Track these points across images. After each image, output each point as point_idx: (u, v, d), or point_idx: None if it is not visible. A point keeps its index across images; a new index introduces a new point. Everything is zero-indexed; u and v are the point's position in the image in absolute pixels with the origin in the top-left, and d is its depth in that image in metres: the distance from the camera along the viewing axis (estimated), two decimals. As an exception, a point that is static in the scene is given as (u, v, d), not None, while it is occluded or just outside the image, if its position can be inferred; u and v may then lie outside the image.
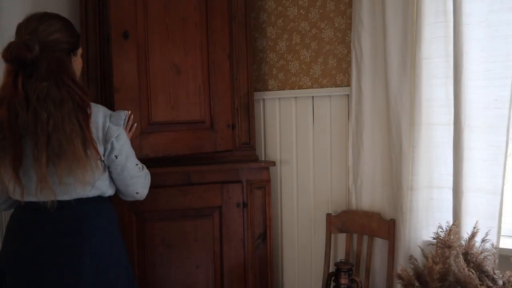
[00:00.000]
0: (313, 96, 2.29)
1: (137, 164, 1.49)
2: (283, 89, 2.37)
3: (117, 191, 1.52)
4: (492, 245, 1.70)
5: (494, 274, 1.58)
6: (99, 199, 1.44)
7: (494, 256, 1.69)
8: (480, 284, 1.51)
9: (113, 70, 1.81)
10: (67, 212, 1.36)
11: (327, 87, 2.24)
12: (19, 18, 1.88)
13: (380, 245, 2.08)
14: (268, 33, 2.41)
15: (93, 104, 1.38)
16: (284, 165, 2.41)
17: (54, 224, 1.36)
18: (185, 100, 2.01)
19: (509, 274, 1.56)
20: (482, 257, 1.63)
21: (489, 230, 1.71)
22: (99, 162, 1.36)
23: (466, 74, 1.72)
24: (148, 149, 1.90)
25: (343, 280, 1.95)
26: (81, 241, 1.37)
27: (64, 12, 2.09)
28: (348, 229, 2.14)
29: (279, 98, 2.39)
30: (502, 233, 1.77)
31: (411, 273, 1.66)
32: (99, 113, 1.39)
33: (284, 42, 2.36)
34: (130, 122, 1.59)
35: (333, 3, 2.20)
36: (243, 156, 2.21)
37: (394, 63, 1.92)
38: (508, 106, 1.69)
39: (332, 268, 2.11)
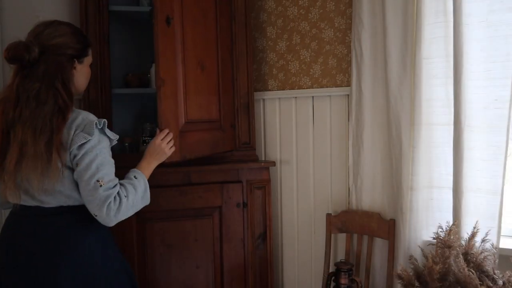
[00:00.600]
0: (313, 96, 2.29)
1: (98, 181, 1.28)
2: (283, 89, 2.37)
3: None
4: (492, 245, 1.71)
5: (494, 274, 1.58)
6: (83, 208, 1.34)
7: (494, 256, 1.69)
8: (480, 284, 1.51)
9: (159, 58, 1.61)
10: (43, 221, 1.34)
11: (327, 87, 2.24)
12: (19, 18, 1.89)
13: (380, 245, 2.08)
14: (268, 33, 2.41)
15: (76, 110, 1.35)
16: (284, 165, 2.41)
17: (30, 231, 1.34)
18: (206, 98, 1.95)
19: (509, 274, 1.56)
20: (482, 257, 1.63)
21: (489, 230, 1.71)
22: (61, 168, 1.28)
23: (466, 74, 1.72)
24: (186, 149, 1.76)
25: (343, 280, 1.95)
26: (57, 254, 1.32)
27: (64, 12, 2.10)
28: (348, 229, 2.14)
29: (279, 98, 2.39)
30: (502, 233, 1.77)
31: (411, 273, 1.66)
32: (76, 120, 1.32)
33: (284, 42, 2.36)
34: (163, 135, 1.56)
35: (333, 3, 2.20)
36: (243, 156, 2.21)
37: (394, 63, 1.92)
38: (508, 106, 1.69)
39: (332, 268, 2.11)
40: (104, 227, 1.38)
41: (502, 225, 1.75)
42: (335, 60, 2.22)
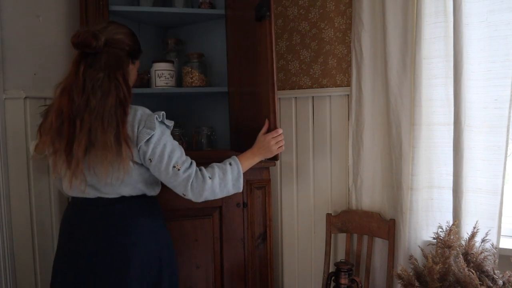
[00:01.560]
0: (313, 96, 2.29)
1: (174, 166, 1.39)
2: (283, 89, 2.37)
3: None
4: (492, 245, 1.71)
5: (494, 274, 1.58)
6: (143, 197, 1.48)
7: (494, 256, 1.69)
8: (480, 284, 1.51)
9: (273, 60, 1.58)
10: (107, 209, 1.42)
11: (327, 87, 2.24)
12: (19, 18, 1.89)
13: (380, 245, 2.08)
14: (268, 33, 2.41)
15: (133, 106, 1.42)
16: (284, 165, 2.41)
17: (96, 220, 1.42)
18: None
19: (509, 274, 1.56)
20: (482, 257, 1.63)
21: (489, 230, 1.71)
22: (128, 162, 1.36)
23: (466, 74, 1.72)
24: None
25: (343, 280, 1.95)
26: (126, 239, 1.42)
27: (64, 12, 2.10)
28: (348, 229, 2.14)
29: (279, 98, 2.39)
30: (502, 233, 1.77)
31: (411, 273, 1.66)
32: (136, 116, 1.39)
33: (284, 42, 2.36)
34: (276, 133, 1.63)
35: (333, 3, 2.20)
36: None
37: (394, 63, 1.92)
38: (508, 106, 1.69)
39: (332, 268, 2.11)
40: (159, 213, 1.54)
41: (502, 225, 1.75)
42: (335, 60, 2.22)
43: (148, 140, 1.36)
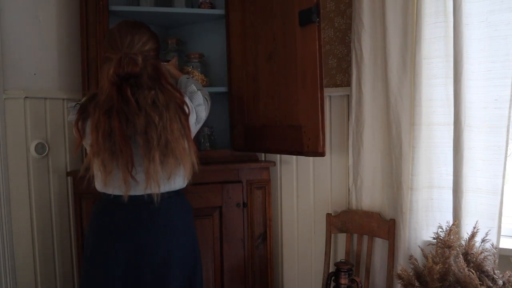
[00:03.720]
0: (313, 96, 2.28)
1: (205, 98, 1.66)
2: (283, 89, 2.37)
3: None
4: (492, 245, 1.71)
5: (494, 274, 1.58)
6: (181, 191, 1.61)
7: (494, 256, 1.69)
8: (480, 284, 1.51)
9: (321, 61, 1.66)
10: (156, 205, 1.47)
11: (327, 87, 2.24)
12: (19, 18, 1.89)
13: (380, 245, 2.08)
14: (268, 33, 2.41)
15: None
16: (284, 165, 2.41)
17: (149, 215, 1.50)
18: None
19: (509, 274, 1.56)
20: (482, 257, 1.63)
21: (489, 230, 1.71)
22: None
23: (466, 74, 1.72)
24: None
25: (343, 280, 1.95)
26: (170, 234, 1.53)
27: (64, 12, 2.10)
28: (348, 229, 2.14)
29: (279, 98, 2.39)
30: (502, 233, 1.77)
31: (411, 273, 1.66)
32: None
33: (284, 42, 2.36)
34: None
35: (333, 3, 2.20)
36: (243, 156, 2.21)
37: (394, 63, 1.92)
38: (508, 106, 1.69)
39: (332, 268, 2.11)
40: (191, 210, 1.67)
41: (502, 225, 1.75)
42: (335, 60, 2.22)
43: (194, 107, 1.58)
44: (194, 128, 1.58)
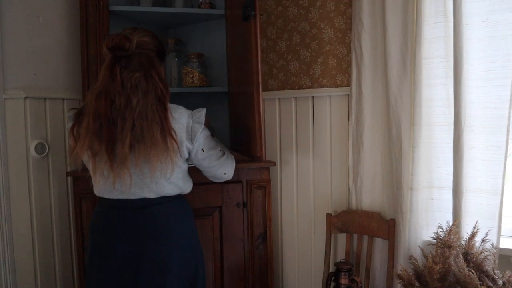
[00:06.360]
0: (313, 96, 2.29)
1: (220, 150, 1.64)
2: (283, 89, 2.37)
3: (209, 177, 1.70)
4: (492, 245, 1.71)
5: (494, 274, 1.58)
6: (179, 197, 1.56)
7: (494, 256, 1.69)
8: (480, 284, 1.51)
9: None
10: (152, 210, 1.46)
11: (327, 87, 2.24)
12: (19, 19, 1.89)
13: (380, 245, 2.09)
14: (268, 33, 2.41)
15: (175, 106, 1.49)
16: (284, 165, 2.41)
17: (140, 220, 1.47)
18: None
19: (509, 274, 1.56)
20: (482, 257, 1.63)
21: (489, 230, 1.71)
22: (176, 156, 1.43)
23: (466, 74, 1.72)
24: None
25: (343, 280, 1.95)
26: (167, 240, 1.48)
27: (64, 12, 2.10)
28: (348, 229, 2.14)
29: (279, 98, 2.39)
30: (502, 233, 1.77)
31: (411, 273, 1.66)
32: (182, 114, 1.48)
33: (284, 42, 2.36)
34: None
35: (333, 3, 2.20)
36: (243, 156, 2.20)
37: (394, 63, 1.92)
38: (508, 106, 1.69)
39: (332, 268, 2.11)
40: (192, 215, 1.63)
41: (502, 225, 1.75)
42: (335, 60, 2.22)
43: (201, 132, 1.49)
44: (184, 144, 1.48)
